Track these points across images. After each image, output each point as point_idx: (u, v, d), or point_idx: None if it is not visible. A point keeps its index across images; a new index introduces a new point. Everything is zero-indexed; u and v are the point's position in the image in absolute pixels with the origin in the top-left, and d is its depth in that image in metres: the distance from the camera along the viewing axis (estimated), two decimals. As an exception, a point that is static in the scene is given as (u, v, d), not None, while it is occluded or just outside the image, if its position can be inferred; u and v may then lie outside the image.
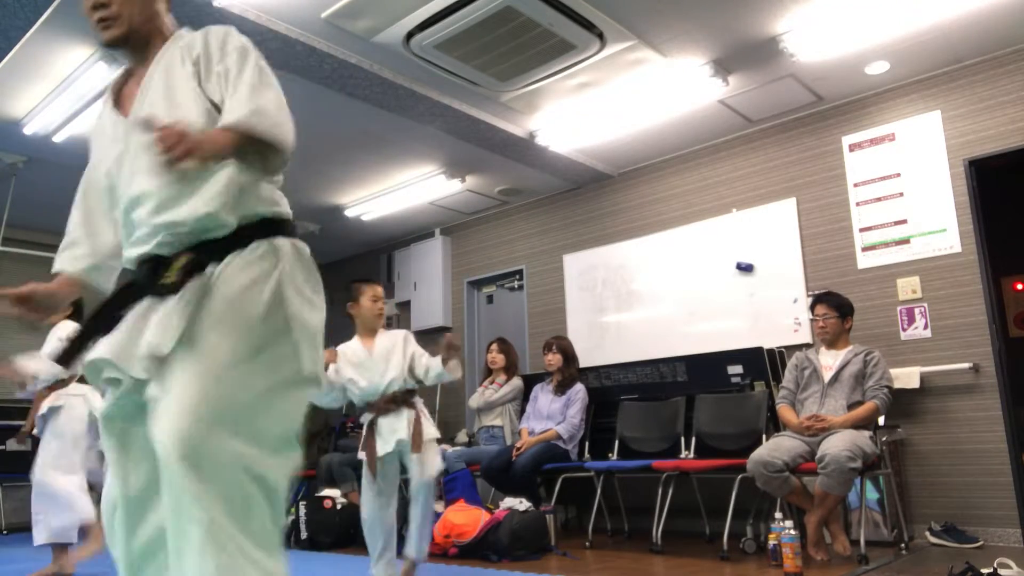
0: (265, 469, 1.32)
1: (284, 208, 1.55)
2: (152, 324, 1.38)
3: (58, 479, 3.60)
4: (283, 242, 1.48)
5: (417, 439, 3.13)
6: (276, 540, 1.34)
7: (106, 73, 3.83)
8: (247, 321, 1.37)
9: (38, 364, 3.67)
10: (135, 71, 1.59)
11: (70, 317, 3.87)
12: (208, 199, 1.41)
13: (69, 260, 1.59)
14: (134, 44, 1.56)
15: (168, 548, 1.30)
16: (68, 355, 1.49)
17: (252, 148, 1.39)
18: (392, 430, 3.16)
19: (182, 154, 1.25)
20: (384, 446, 3.14)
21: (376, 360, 3.24)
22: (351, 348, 3.31)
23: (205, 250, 1.42)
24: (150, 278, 1.44)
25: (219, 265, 1.41)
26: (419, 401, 3.29)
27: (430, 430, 3.24)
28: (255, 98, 1.41)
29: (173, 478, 1.26)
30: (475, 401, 5.44)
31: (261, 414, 1.35)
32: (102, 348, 1.42)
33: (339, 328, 3.18)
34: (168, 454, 1.26)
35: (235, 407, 1.32)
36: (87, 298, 1.62)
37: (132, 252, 1.48)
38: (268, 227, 1.48)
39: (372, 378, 3.22)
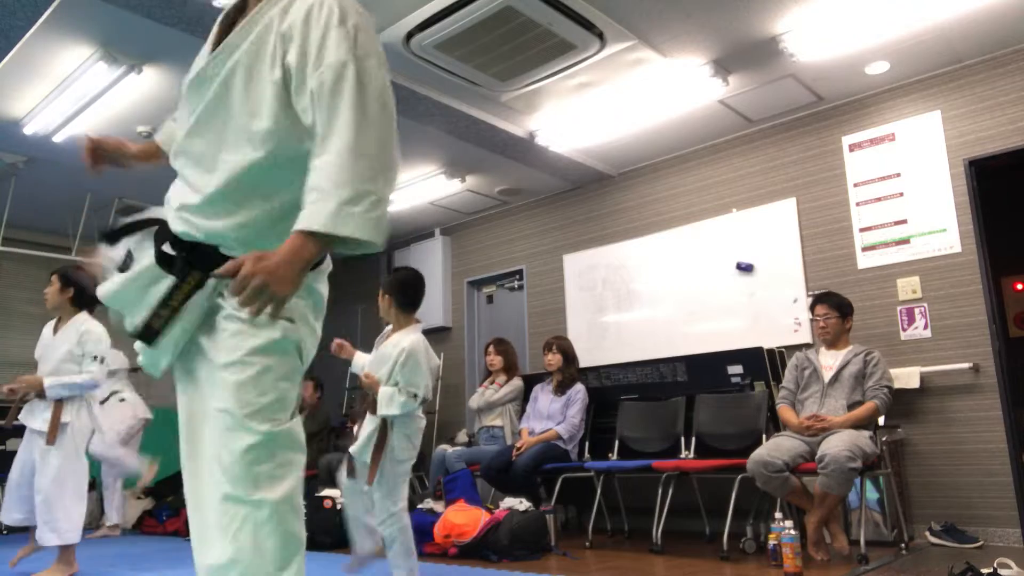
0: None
1: None
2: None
3: (69, 490, 3.66)
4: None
5: (372, 467, 2.86)
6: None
7: (106, 73, 3.84)
8: (260, 375, 1.34)
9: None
10: (246, 6, 1.44)
11: (77, 305, 3.88)
12: (234, 225, 1.36)
13: (166, 132, 1.58)
14: None
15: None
16: (114, 236, 1.48)
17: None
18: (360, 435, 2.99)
19: (261, 308, 1.21)
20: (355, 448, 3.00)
21: (374, 363, 3.04)
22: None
23: (212, 262, 1.36)
24: (158, 252, 1.42)
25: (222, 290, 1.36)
26: (399, 426, 2.91)
27: (391, 461, 2.87)
28: (350, 171, 1.22)
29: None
30: (475, 401, 5.44)
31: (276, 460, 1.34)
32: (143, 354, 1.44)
33: (342, 327, 3.17)
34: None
35: (261, 459, 1.32)
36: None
37: (170, 217, 1.44)
38: None
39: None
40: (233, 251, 1.36)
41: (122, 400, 5.59)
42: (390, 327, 3.08)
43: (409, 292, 3.08)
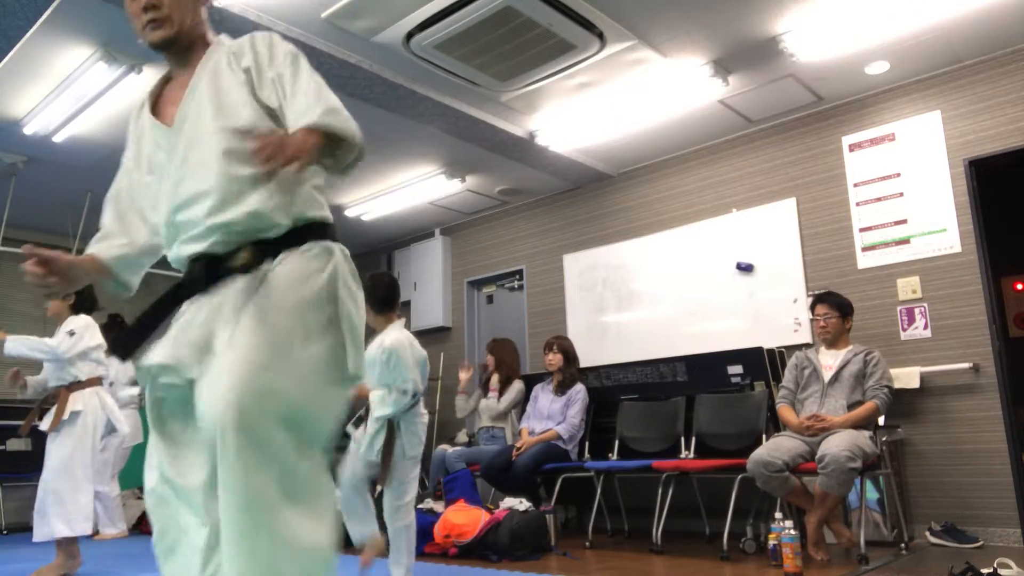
0: (304, 459, 1.35)
1: (328, 212, 1.57)
2: (207, 319, 1.42)
3: (78, 480, 3.67)
4: (334, 245, 1.51)
5: (384, 468, 2.89)
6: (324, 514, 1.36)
7: (106, 73, 3.84)
8: (300, 310, 1.40)
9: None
10: (175, 76, 1.61)
11: (75, 310, 3.89)
12: (262, 200, 1.44)
13: (103, 247, 1.61)
14: (179, 47, 1.58)
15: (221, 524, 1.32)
16: (127, 348, 1.50)
17: (327, 148, 1.39)
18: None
19: (285, 161, 1.27)
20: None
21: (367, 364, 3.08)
22: None
23: (259, 248, 1.45)
24: (203, 275, 1.47)
25: (274, 262, 1.44)
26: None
27: (401, 459, 2.92)
28: (323, 98, 1.42)
29: (225, 447, 1.27)
30: (462, 410, 5.42)
31: (305, 404, 1.37)
32: (158, 354, 1.45)
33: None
34: (220, 423, 1.27)
35: (283, 388, 1.33)
36: (107, 287, 1.64)
37: (183, 250, 1.50)
38: (319, 230, 1.51)
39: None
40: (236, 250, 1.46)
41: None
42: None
43: (380, 294, 3.09)
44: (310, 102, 1.42)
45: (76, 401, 3.73)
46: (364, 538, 3.07)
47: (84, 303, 3.94)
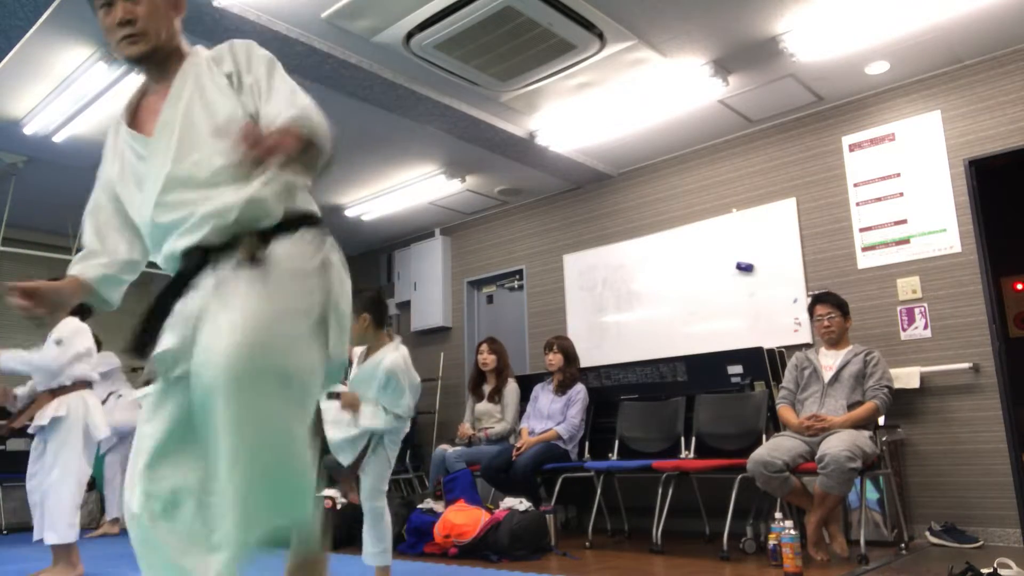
0: (297, 423, 1.41)
1: (317, 209, 1.65)
2: (202, 299, 1.46)
3: (63, 486, 3.65)
4: (325, 234, 1.61)
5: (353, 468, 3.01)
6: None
7: (106, 73, 3.84)
8: (295, 283, 1.46)
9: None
10: (152, 88, 1.63)
11: (72, 313, 3.87)
12: (257, 188, 1.49)
13: (85, 267, 1.66)
14: (156, 60, 1.60)
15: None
16: (140, 345, 1.52)
17: (299, 150, 1.43)
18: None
19: (265, 152, 1.32)
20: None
21: (359, 381, 3.08)
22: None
23: (255, 237, 1.48)
24: (200, 265, 1.49)
25: (268, 247, 1.48)
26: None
27: (384, 462, 3.03)
28: (296, 101, 1.51)
29: (221, 397, 1.31)
30: (466, 430, 5.34)
31: (298, 369, 1.42)
32: (165, 341, 1.48)
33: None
34: (217, 371, 1.32)
35: (279, 347, 1.38)
36: (91, 302, 1.70)
37: (177, 245, 1.52)
38: (310, 221, 1.58)
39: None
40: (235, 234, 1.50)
41: (120, 396, 5.61)
42: (365, 347, 3.13)
43: (383, 308, 3.15)
44: (283, 103, 1.50)
45: (60, 406, 3.70)
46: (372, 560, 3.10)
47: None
